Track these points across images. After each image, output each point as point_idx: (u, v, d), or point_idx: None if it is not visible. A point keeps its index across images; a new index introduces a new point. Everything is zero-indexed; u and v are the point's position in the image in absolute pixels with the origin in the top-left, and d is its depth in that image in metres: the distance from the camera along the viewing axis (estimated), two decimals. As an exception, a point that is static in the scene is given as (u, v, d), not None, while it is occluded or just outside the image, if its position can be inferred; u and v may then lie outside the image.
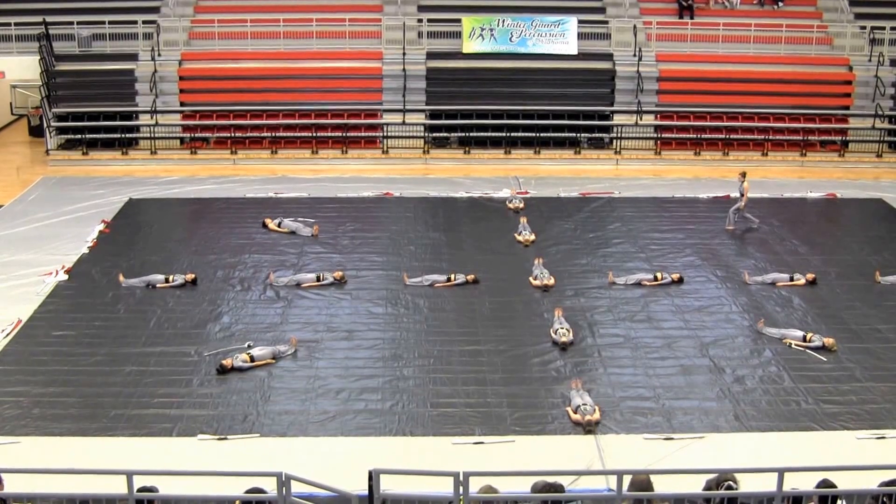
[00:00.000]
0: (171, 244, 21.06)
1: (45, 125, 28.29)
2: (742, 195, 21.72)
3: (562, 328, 16.09)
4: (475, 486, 8.64)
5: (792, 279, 18.71)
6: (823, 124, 29.02)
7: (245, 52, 29.42)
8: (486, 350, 15.76)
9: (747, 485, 9.33)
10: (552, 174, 26.68)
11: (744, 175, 21.97)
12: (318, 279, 18.49)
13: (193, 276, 18.54)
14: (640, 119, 28.65)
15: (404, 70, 28.90)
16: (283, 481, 8.20)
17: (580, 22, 29.67)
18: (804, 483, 9.01)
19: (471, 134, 28.61)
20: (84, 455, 12.46)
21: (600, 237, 21.51)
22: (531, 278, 18.62)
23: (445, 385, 14.60)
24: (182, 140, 28.52)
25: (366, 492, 8.31)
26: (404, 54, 29.15)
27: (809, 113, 29.04)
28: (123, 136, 28.21)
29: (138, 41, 29.19)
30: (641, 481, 8.95)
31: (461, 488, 8.15)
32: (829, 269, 19.51)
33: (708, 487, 9.31)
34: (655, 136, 28.77)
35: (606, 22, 30.42)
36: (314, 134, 28.21)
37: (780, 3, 31.56)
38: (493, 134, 28.63)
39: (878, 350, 15.88)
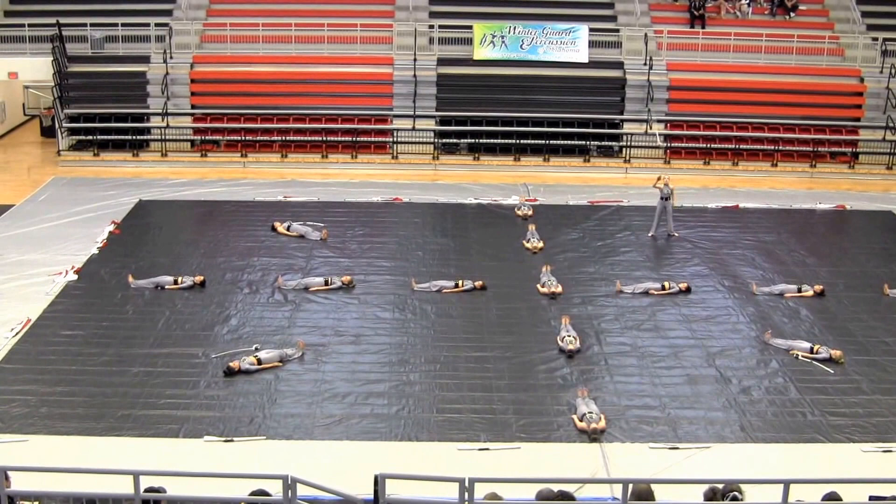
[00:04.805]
0: (181, 246, 21.14)
1: (56, 126, 28.44)
2: (668, 198, 21.72)
3: (569, 336, 16.09)
4: (480, 492, 8.65)
5: (800, 290, 18.68)
6: (834, 135, 28.96)
7: (256, 55, 29.52)
8: (493, 356, 15.77)
9: (752, 496, 9.33)
10: (561, 182, 26.72)
11: (660, 179, 22.02)
12: (326, 283, 18.54)
13: (202, 278, 18.61)
14: (650, 128, 28.66)
15: (415, 76, 28.97)
16: (289, 484, 8.22)
17: (591, 30, 29.71)
18: (809, 495, 9.01)
19: (480, 140, 28.66)
20: (91, 454, 12.51)
21: (608, 245, 21.51)
22: (539, 285, 18.63)
23: (451, 391, 14.61)
24: (192, 142, 28.61)
25: (371, 496, 8.32)
26: (415, 60, 29.22)
27: (820, 124, 28.99)
28: (134, 137, 28.34)
29: (150, 43, 29.34)
30: (642, 490, 8.96)
31: (466, 494, 8.16)
32: (837, 280, 19.47)
33: (708, 498, 9.30)
34: (665, 145, 28.77)
35: (617, 30, 30.46)
36: (324, 138, 28.27)
37: (792, 14, 31.55)
38: (503, 141, 28.67)
39: (885, 363, 15.83)
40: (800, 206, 24.95)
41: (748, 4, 31.70)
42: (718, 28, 30.89)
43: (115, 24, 29.30)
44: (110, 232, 21.50)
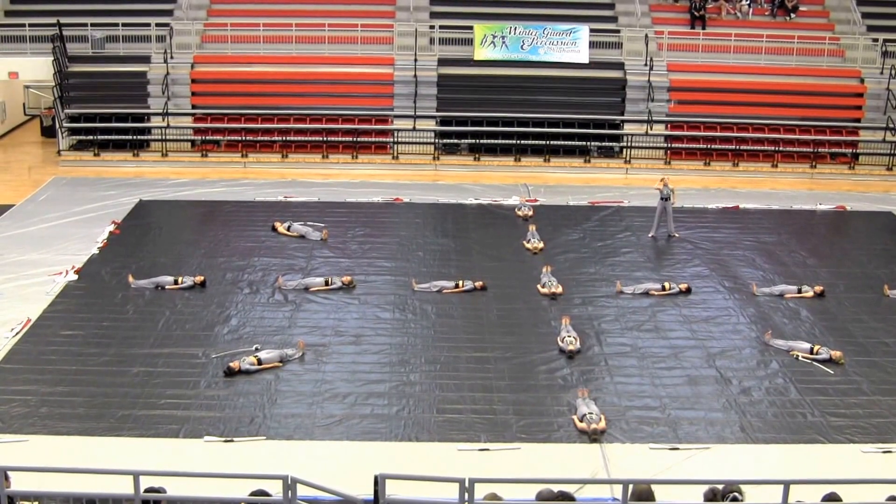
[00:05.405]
0: (181, 246, 21.14)
1: (57, 126, 28.45)
2: (668, 199, 21.72)
3: (569, 336, 16.09)
4: (480, 492, 8.65)
5: (800, 291, 18.68)
6: (834, 136, 28.96)
7: (257, 55, 29.52)
8: (493, 357, 15.77)
9: (752, 497, 9.34)
10: (561, 182, 26.73)
11: (661, 181, 22.08)
12: (326, 283, 18.54)
13: (202, 278, 18.61)
14: (651, 128, 28.66)
15: (415, 76, 28.97)
16: (289, 484, 8.22)
17: (592, 31, 29.71)
18: (809, 496, 9.01)
19: (481, 141, 28.66)
20: (91, 454, 12.51)
21: (609, 246, 21.51)
22: (539, 286, 18.62)
23: (452, 391, 14.61)
24: (193, 143, 28.62)
25: (371, 496, 8.32)
26: (416, 60, 29.22)
27: (820, 125, 28.99)
28: (135, 137, 28.35)
29: (151, 43, 29.35)
30: (642, 491, 8.96)
31: (466, 495, 8.16)
32: (837, 281, 19.47)
33: (708, 499, 9.31)
34: (665, 145, 28.77)
35: (618, 31, 30.46)
36: (325, 138, 28.28)
37: (793, 14, 31.56)
38: (504, 141, 28.68)
39: (885, 364, 15.83)
40: (800, 206, 24.95)
41: (749, 5, 31.72)
42: (719, 29, 30.89)
43: (116, 24, 29.30)
44: (110, 232, 21.49)
